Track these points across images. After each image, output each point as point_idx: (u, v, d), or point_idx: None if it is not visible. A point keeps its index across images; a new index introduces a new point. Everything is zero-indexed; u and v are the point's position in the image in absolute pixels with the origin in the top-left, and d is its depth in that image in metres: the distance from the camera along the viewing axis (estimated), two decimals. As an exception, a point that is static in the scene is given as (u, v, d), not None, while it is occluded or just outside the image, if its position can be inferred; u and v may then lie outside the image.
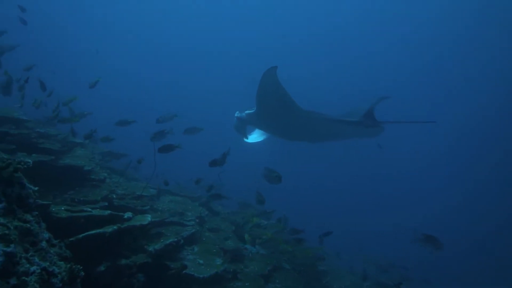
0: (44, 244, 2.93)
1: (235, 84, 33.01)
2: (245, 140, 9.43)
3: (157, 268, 5.28)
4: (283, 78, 7.11)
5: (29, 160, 3.05)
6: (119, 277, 4.83)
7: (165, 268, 5.40)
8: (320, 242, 8.05)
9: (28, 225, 2.88)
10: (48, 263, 2.82)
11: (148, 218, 5.29)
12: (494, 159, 32.90)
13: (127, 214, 5.23)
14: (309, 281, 7.45)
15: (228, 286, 5.84)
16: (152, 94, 36.78)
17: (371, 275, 10.19)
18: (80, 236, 4.30)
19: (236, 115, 8.88)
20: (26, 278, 2.58)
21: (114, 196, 6.16)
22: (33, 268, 2.69)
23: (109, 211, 5.03)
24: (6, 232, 2.61)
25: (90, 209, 4.93)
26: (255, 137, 9.73)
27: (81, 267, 3.02)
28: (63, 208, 4.74)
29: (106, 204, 5.68)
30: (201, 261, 5.86)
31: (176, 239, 5.70)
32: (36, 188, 3.16)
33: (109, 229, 4.65)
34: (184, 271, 5.36)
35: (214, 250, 6.36)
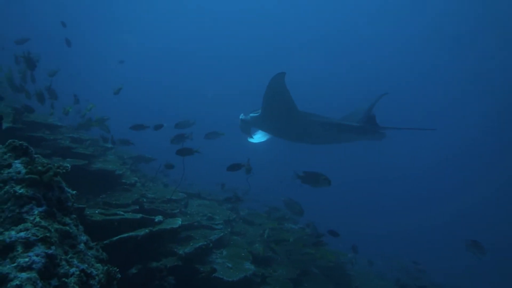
0: (82, 246, 3.00)
1: (246, 87, 33.42)
2: (250, 140, 9.71)
3: (187, 271, 5.33)
4: (288, 80, 7.28)
5: (68, 165, 3.14)
6: (151, 280, 4.90)
7: (195, 271, 5.44)
8: (354, 251, 8.01)
9: (67, 228, 2.96)
10: (86, 265, 2.89)
11: (178, 221, 5.35)
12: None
13: (158, 218, 5.31)
14: (338, 286, 7.36)
15: (257, 290, 5.84)
16: (172, 100, 37.59)
17: (403, 280, 9.98)
18: (114, 239, 4.39)
19: (240, 117, 9.23)
20: (66, 280, 2.65)
21: (145, 200, 6.27)
22: (72, 269, 2.76)
23: (141, 215, 5.12)
24: (48, 234, 2.69)
25: (122, 213, 5.03)
26: (259, 137, 9.97)
27: (118, 269, 3.09)
28: (97, 212, 4.86)
29: (137, 207, 5.80)
30: (229, 265, 5.87)
31: (205, 243, 5.74)
32: (74, 192, 3.25)
33: (141, 232, 4.73)
34: (213, 275, 5.38)
35: (243, 254, 6.37)
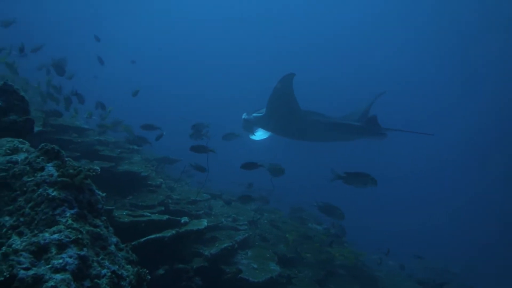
0: (112, 248, 3.04)
1: (252, 88, 34.09)
2: (251, 137, 9.97)
3: (213, 272, 5.35)
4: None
5: (97, 168, 3.19)
6: (178, 281, 4.94)
7: (221, 272, 5.45)
8: (382, 259, 7.92)
9: (98, 230, 3.01)
10: (117, 267, 2.92)
11: (204, 223, 5.37)
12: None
13: (184, 219, 5.34)
14: (364, 287, 7.25)
15: (283, 291, 5.81)
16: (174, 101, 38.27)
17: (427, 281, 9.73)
18: (142, 240, 4.45)
19: (243, 117, 9.55)
20: (98, 281, 2.68)
21: (170, 201, 6.34)
22: (104, 271, 2.80)
23: (167, 216, 5.16)
24: (80, 236, 2.73)
25: (149, 214, 5.09)
26: (260, 135, 10.23)
27: (147, 271, 3.12)
28: (125, 213, 4.93)
29: (163, 208, 5.86)
30: (255, 266, 5.86)
31: (231, 244, 5.75)
32: (104, 194, 3.30)
33: (168, 233, 4.78)
34: (239, 276, 5.38)
35: (268, 255, 6.35)
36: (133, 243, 4.30)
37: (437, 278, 10.50)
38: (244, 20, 43.21)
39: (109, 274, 2.80)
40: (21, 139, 3.68)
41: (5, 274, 2.32)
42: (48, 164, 3.12)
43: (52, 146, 3.22)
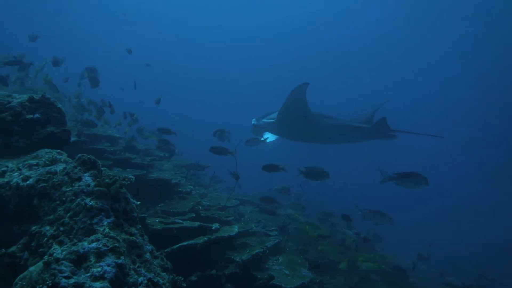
0: (148, 256, 3.08)
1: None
2: (262, 140, 10.00)
3: (245, 278, 5.32)
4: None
5: (132, 177, 3.25)
6: (210, 287, 4.95)
7: (253, 278, 5.42)
8: (420, 258, 7.74)
9: (134, 238, 3.06)
10: (153, 274, 2.96)
11: (235, 229, 5.38)
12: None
13: (215, 225, 5.37)
14: (399, 294, 7.07)
15: (316, 298, 5.74)
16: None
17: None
18: (175, 247, 4.49)
19: (253, 122, 9.96)
20: (135, 289, 2.72)
21: (200, 208, 6.38)
22: (140, 279, 2.84)
23: (198, 223, 5.21)
24: (117, 244, 2.78)
25: (181, 221, 5.15)
26: (270, 137, 10.40)
27: (182, 278, 3.14)
28: (157, 220, 5.00)
29: (194, 215, 5.91)
30: (287, 272, 5.81)
31: (262, 250, 5.73)
32: (139, 203, 3.36)
33: (200, 240, 4.81)
34: (271, 282, 5.34)
35: (299, 261, 6.28)
36: (166, 250, 4.36)
37: (474, 284, 10.13)
38: (252, 29, 44.56)
39: (145, 282, 2.84)
40: (58, 150, 3.80)
41: (48, 282, 2.39)
42: (85, 174, 3.21)
43: (89, 156, 3.30)
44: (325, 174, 6.52)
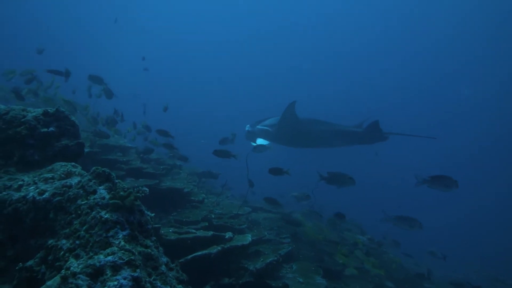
0: (163, 268, 3.08)
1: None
2: (254, 144, 10.49)
3: (259, 287, 5.31)
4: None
5: (146, 189, 3.26)
6: (225, 296, 4.94)
7: (267, 287, 5.40)
8: (428, 276, 7.67)
9: (149, 250, 3.06)
10: (169, 287, 2.96)
11: (248, 238, 5.37)
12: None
13: (228, 234, 5.36)
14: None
15: (331, 306, 5.68)
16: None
17: None
18: (189, 257, 4.50)
19: (247, 128, 10.49)
20: (151, 302, 2.73)
21: (213, 216, 6.38)
22: (156, 291, 2.84)
23: (212, 232, 5.20)
24: (132, 257, 2.79)
25: (194, 231, 5.15)
26: (262, 141, 10.86)
27: (198, 290, 3.13)
28: (171, 230, 5.02)
29: (206, 224, 5.91)
30: (301, 280, 5.76)
31: (275, 258, 5.69)
32: (153, 214, 3.36)
33: (213, 250, 4.80)
34: (286, 290, 5.31)
35: (313, 268, 6.23)
36: (180, 260, 4.36)
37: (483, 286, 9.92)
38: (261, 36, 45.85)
39: (161, 294, 2.84)
40: (73, 163, 3.84)
41: (65, 297, 2.41)
42: (100, 187, 3.24)
43: (103, 169, 3.33)
44: (350, 181, 6.51)
